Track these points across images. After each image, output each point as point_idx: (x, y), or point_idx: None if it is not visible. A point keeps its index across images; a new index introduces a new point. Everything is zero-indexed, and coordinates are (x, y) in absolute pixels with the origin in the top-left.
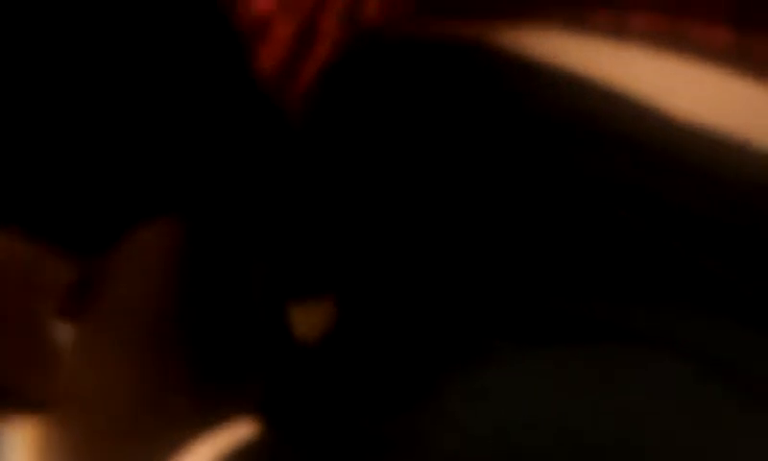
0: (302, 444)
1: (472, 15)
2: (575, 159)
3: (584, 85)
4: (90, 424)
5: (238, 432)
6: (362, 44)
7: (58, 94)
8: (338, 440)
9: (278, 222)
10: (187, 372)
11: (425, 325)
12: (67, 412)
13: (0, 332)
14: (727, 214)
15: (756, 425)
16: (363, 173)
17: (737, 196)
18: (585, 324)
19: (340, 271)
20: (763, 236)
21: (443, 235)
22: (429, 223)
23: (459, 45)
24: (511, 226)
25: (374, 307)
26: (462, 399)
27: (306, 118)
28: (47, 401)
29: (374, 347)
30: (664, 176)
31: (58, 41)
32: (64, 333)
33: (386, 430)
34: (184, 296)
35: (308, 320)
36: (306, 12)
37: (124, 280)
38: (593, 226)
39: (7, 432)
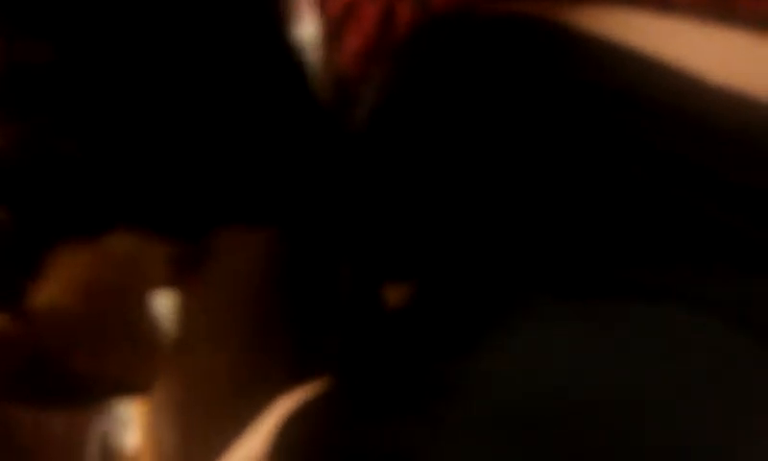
0: (371, 390)
1: None
2: (619, 126)
3: (630, 57)
4: (197, 386)
5: (312, 388)
6: (431, 27)
7: (163, 115)
8: (401, 385)
9: (361, 214)
10: (281, 336)
11: (481, 287)
12: (176, 377)
13: (110, 328)
14: (762, 179)
15: None
16: (431, 147)
17: None
18: (618, 282)
19: (418, 255)
20: None
21: (492, 195)
22: (483, 184)
23: (517, 21)
24: (553, 187)
25: (444, 278)
26: (503, 355)
27: (381, 99)
28: (152, 383)
29: (441, 309)
30: (705, 143)
31: (172, 65)
32: (168, 311)
33: (439, 380)
34: (279, 273)
35: (397, 294)
36: None
37: (227, 256)
38: (631, 189)
39: (122, 407)
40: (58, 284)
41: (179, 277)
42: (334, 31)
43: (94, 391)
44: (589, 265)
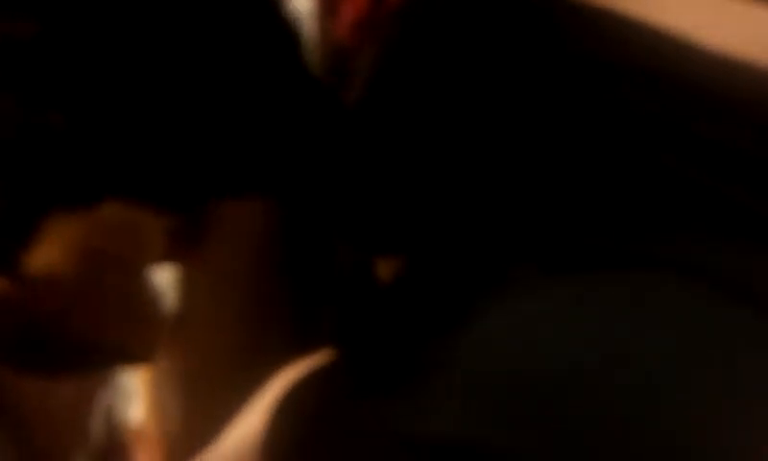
0: (367, 364)
1: None
2: (614, 95)
3: (625, 24)
4: (199, 358)
5: (312, 361)
6: None
7: (155, 89)
8: (395, 360)
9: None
10: (280, 308)
11: (468, 260)
12: (179, 350)
13: (108, 296)
14: (762, 148)
15: None
16: (424, 117)
17: None
18: (612, 252)
19: (409, 229)
20: None
21: (482, 167)
22: (476, 155)
23: None
24: (545, 158)
25: (433, 252)
26: (492, 326)
27: (380, 64)
28: (153, 353)
29: (431, 284)
30: (703, 111)
31: (160, 44)
32: (168, 284)
33: (430, 353)
34: (278, 245)
35: (387, 268)
36: None
37: (226, 230)
38: (624, 158)
39: (124, 377)
40: (54, 249)
41: (178, 250)
42: (329, 3)
43: (93, 359)
44: (579, 236)
